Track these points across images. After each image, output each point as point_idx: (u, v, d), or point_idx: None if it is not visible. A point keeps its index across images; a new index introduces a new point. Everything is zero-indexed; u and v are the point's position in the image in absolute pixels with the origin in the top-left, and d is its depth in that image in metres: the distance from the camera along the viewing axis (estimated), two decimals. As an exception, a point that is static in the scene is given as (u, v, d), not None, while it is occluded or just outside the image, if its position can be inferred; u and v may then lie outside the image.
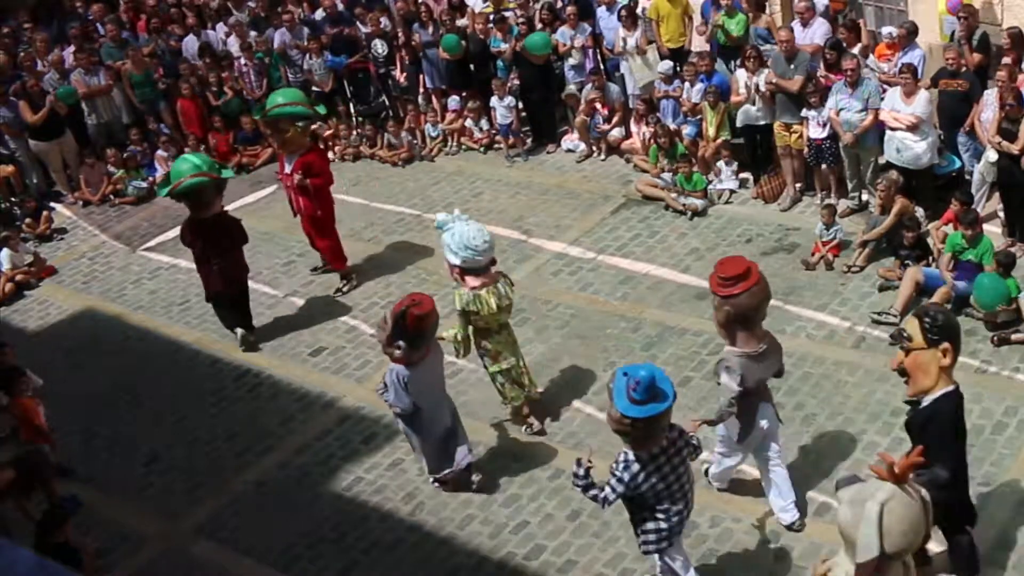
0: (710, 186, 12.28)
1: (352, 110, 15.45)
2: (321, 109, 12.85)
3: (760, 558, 7.51)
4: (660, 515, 6.71)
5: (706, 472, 8.04)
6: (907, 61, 11.08)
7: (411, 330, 7.83)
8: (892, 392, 8.82)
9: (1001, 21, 12.16)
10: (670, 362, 9.57)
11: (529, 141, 14.38)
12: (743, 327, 7.21)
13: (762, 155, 12.18)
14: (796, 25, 12.22)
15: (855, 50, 11.63)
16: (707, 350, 9.67)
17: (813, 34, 12.01)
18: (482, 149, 14.44)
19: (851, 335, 9.62)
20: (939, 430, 6.13)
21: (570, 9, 13.79)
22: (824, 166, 11.53)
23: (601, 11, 13.89)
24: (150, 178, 14.79)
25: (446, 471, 8.46)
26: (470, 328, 8.56)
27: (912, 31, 11.49)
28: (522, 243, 12.07)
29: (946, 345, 6.18)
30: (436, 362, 8.22)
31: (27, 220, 14.15)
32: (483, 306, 8.42)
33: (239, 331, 10.92)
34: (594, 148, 13.77)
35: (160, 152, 14.99)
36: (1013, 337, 9.14)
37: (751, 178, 12.35)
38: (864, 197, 11.44)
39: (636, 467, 6.54)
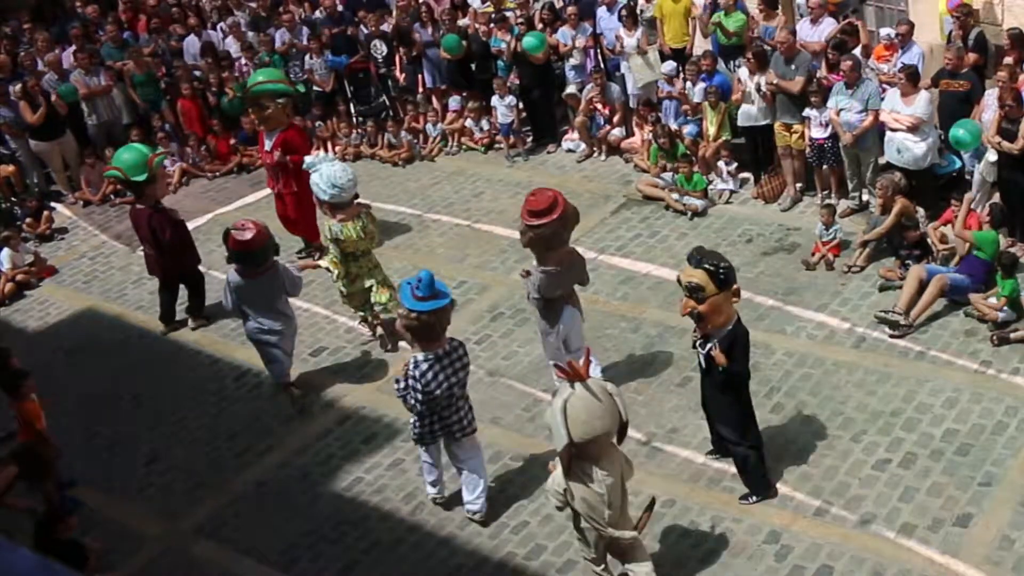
0: (710, 186, 12.28)
1: (352, 110, 15.45)
2: (301, 88, 13.91)
3: (760, 558, 7.51)
4: (437, 415, 7.78)
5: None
6: (907, 60, 11.08)
7: (231, 249, 9.44)
8: (892, 392, 8.83)
9: (1001, 21, 12.15)
10: (670, 362, 9.57)
11: (530, 141, 14.38)
12: (546, 250, 8.65)
13: (763, 155, 12.18)
14: (805, 23, 12.24)
15: (855, 51, 11.62)
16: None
17: (822, 32, 12.03)
18: (483, 149, 14.44)
19: (851, 335, 9.62)
20: (740, 348, 7.60)
21: (571, 9, 13.79)
22: (825, 166, 11.53)
23: (601, 11, 13.88)
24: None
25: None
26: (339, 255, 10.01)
27: (911, 28, 11.48)
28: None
29: (736, 286, 7.58)
30: (270, 282, 9.58)
31: (27, 220, 14.15)
32: (347, 235, 9.82)
33: (191, 322, 11.51)
34: (594, 148, 13.77)
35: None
36: (1012, 336, 9.14)
37: (751, 178, 12.35)
38: (865, 197, 11.44)
39: (425, 366, 7.55)
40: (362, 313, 10.56)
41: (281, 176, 11.80)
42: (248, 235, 9.34)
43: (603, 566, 7.17)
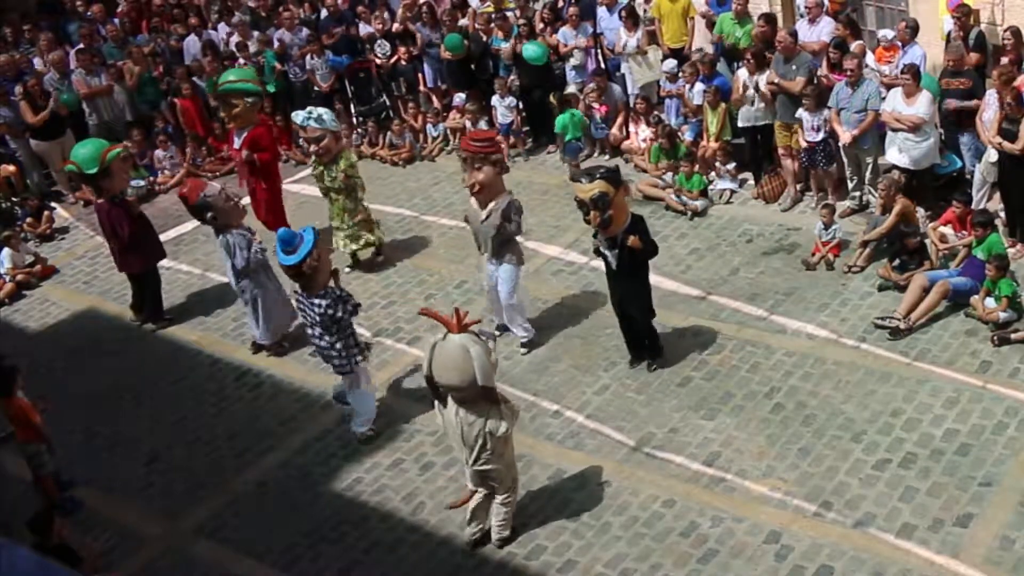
0: (710, 186, 12.28)
1: (353, 110, 15.44)
2: (271, 88, 14.41)
3: (760, 558, 7.51)
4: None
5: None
6: (908, 61, 11.07)
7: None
8: (892, 392, 8.83)
9: (1002, 21, 12.14)
10: (670, 362, 9.55)
11: (529, 141, 14.37)
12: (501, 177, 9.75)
13: (763, 155, 12.17)
14: (803, 23, 12.23)
15: (853, 48, 11.61)
16: (707, 350, 9.67)
17: (820, 32, 12.02)
18: (483, 149, 14.41)
19: (852, 335, 9.61)
20: (644, 229, 8.89)
21: (572, 10, 13.79)
22: (819, 169, 11.50)
23: (602, 11, 13.88)
24: (150, 178, 14.81)
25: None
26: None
27: (913, 29, 11.47)
28: (522, 244, 12.04)
29: (624, 183, 8.69)
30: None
31: (28, 219, 14.15)
32: (354, 158, 11.64)
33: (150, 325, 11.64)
34: (594, 148, 13.76)
35: (158, 152, 15.00)
36: (1013, 337, 9.14)
37: (752, 178, 12.34)
38: (865, 197, 11.43)
39: (294, 301, 9.14)
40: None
41: (250, 175, 12.04)
42: (186, 188, 10.54)
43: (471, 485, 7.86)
